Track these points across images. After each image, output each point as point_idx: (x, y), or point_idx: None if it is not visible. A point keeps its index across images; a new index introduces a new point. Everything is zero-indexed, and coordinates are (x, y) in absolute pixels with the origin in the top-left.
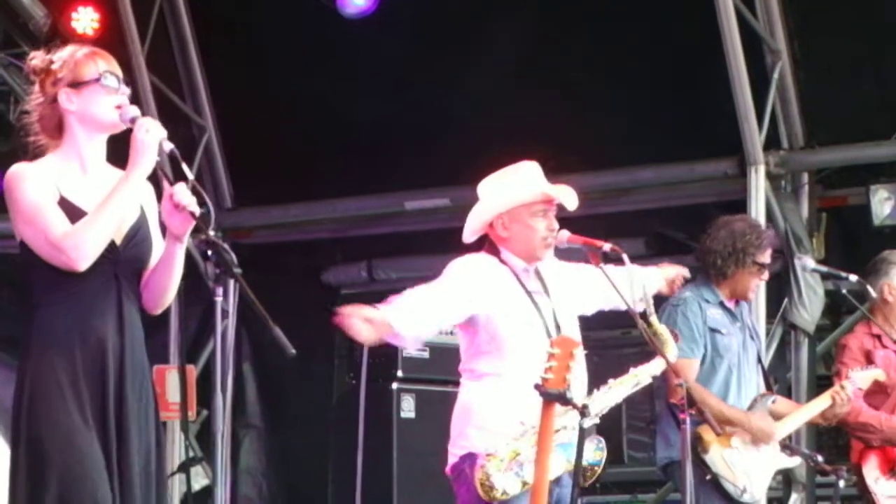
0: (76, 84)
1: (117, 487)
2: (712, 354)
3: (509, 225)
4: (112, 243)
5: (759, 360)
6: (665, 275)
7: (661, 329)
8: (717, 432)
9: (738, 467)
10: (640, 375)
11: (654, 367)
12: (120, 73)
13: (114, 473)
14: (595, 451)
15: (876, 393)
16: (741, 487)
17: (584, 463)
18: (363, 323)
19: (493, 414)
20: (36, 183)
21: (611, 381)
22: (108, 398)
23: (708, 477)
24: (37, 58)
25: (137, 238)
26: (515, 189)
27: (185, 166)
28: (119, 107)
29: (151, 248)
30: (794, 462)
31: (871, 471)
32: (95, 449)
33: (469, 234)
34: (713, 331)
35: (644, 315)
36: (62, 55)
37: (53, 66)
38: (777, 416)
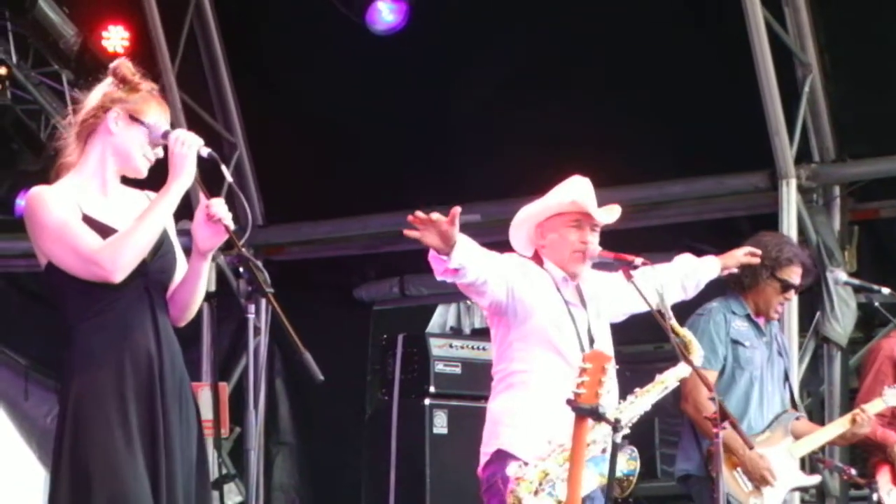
0: (132, 115)
1: None
2: (733, 366)
3: (546, 234)
4: None
5: (787, 377)
6: (725, 263)
7: (685, 332)
8: (751, 446)
9: (749, 486)
10: (668, 381)
11: (681, 371)
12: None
13: (161, 493)
14: (628, 462)
15: None
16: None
17: (619, 474)
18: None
19: (523, 417)
20: (58, 201)
21: (637, 389)
22: (156, 413)
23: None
24: (125, 66)
25: (163, 250)
26: (552, 199)
27: (224, 168)
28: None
29: (176, 261)
30: (813, 480)
31: (885, 483)
32: (141, 474)
33: (517, 245)
34: (735, 342)
35: (662, 316)
36: (142, 82)
37: (132, 78)
38: (798, 436)
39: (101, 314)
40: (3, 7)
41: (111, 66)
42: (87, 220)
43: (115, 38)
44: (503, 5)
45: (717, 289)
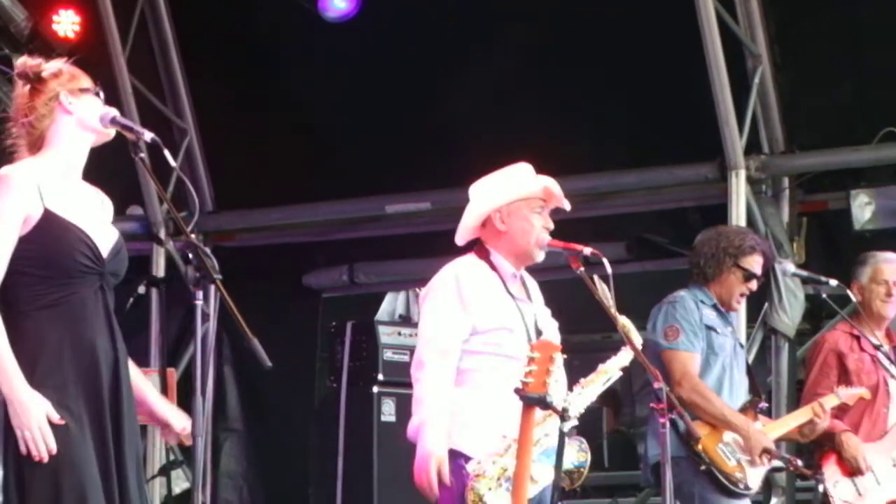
0: (75, 91)
1: (117, 500)
2: (707, 352)
3: (507, 219)
4: (99, 255)
5: (749, 367)
6: None
7: (624, 320)
8: (696, 437)
9: (732, 460)
10: (610, 370)
11: (623, 359)
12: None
13: (113, 487)
14: (578, 453)
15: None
16: (737, 477)
17: (570, 465)
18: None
19: (476, 415)
20: (13, 197)
21: (581, 380)
22: (103, 410)
23: (703, 468)
24: (28, 62)
25: (121, 255)
26: (517, 183)
27: (168, 154)
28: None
29: (126, 266)
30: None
31: (832, 474)
32: (91, 457)
33: (463, 234)
34: (709, 328)
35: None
36: (54, 64)
37: (44, 74)
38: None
39: (56, 305)
40: None
41: (17, 72)
42: (48, 216)
43: (66, 22)
44: None
45: (680, 281)
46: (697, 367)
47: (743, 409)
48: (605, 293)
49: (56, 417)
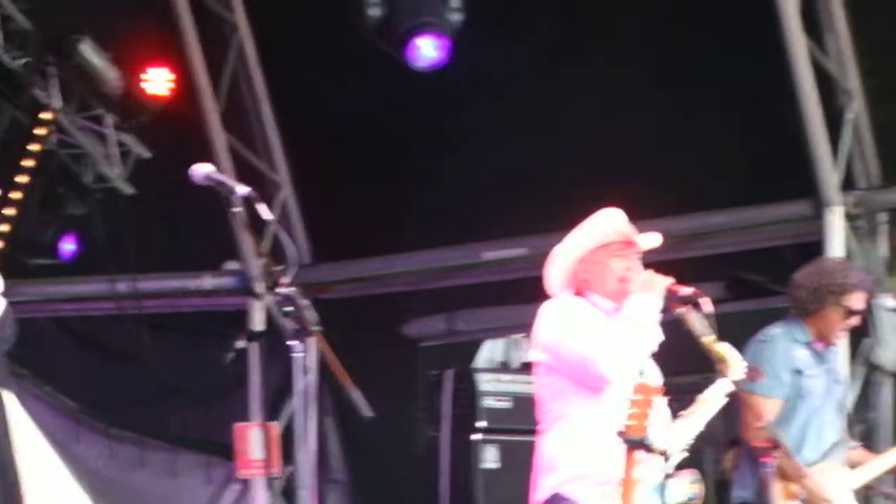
0: None
1: None
2: (794, 396)
3: (590, 268)
4: None
5: (842, 406)
6: None
7: (722, 349)
8: (802, 475)
9: None
10: (709, 398)
11: (721, 387)
12: None
13: None
14: (691, 485)
15: None
16: None
17: (684, 498)
18: None
19: (577, 457)
20: None
21: (682, 413)
22: None
23: None
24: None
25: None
26: (592, 232)
27: (262, 208)
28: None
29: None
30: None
31: None
32: None
33: (558, 286)
34: (798, 372)
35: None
36: None
37: None
38: (854, 465)
39: None
40: (48, 53)
41: None
42: None
43: (159, 79)
44: (540, 46)
45: (779, 319)
46: (775, 413)
47: (830, 451)
48: (704, 327)
49: None
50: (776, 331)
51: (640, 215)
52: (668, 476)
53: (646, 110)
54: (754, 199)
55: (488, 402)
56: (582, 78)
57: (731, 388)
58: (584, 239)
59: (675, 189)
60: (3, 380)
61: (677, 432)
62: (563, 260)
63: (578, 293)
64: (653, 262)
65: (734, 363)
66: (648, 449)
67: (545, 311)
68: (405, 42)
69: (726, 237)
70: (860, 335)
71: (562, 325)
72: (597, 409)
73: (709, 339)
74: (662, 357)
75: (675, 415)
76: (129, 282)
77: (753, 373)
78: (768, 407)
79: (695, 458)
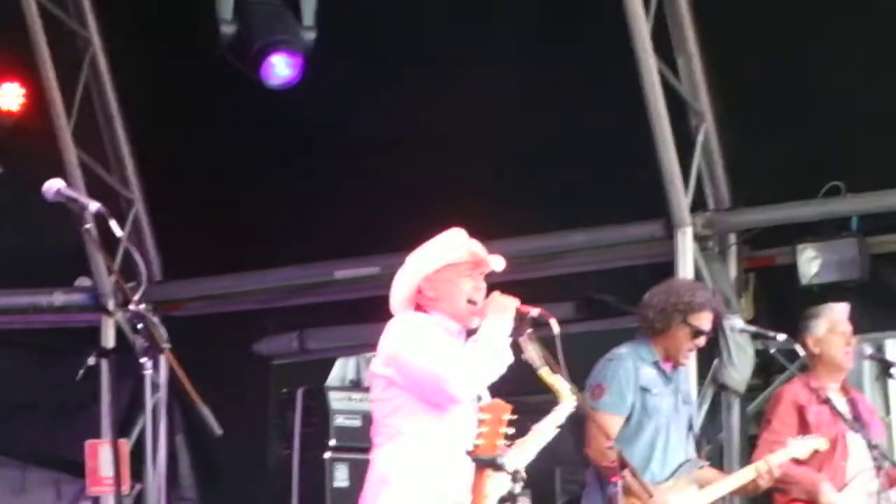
0: None
1: None
2: (640, 414)
3: (437, 286)
4: None
5: (691, 426)
6: None
7: (554, 381)
8: (651, 494)
9: None
10: (544, 430)
11: (557, 417)
12: None
13: None
14: None
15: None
16: None
17: None
18: None
19: (413, 474)
20: None
21: (517, 441)
22: None
23: None
24: None
25: None
26: (443, 250)
27: (114, 225)
28: None
29: None
30: None
31: None
32: None
33: (399, 304)
34: (644, 390)
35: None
36: None
37: None
38: (703, 484)
39: None
40: None
41: None
42: None
43: (11, 95)
44: (394, 63)
45: (627, 334)
46: (617, 430)
47: (677, 471)
48: (538, 357)
49: None
50: (623, 350)
51: (494, 234)
52: (512, 499)
53: (502, 129)
54: (610, 218)
55: (339, 421)
56: (440, 98)
57: (563, 419)
58: (433, 257)
59: (531, 208)
60: None
61: (516, 456)
62: (408, 277)
63: (420, 311)
64: (505, 281)
65: (565, 395)
66: (499, 468)
67: (395, 325)
68: (259, 60)
69: (581, 256)
70: (711, 356)
71: (412, 339)
72: (436, 426)
73: (543, 370)
74: (512, 375)
75: (521, 435)
76: None
77: (598, 390)
78: (613, 423)
79: (545, 479)
